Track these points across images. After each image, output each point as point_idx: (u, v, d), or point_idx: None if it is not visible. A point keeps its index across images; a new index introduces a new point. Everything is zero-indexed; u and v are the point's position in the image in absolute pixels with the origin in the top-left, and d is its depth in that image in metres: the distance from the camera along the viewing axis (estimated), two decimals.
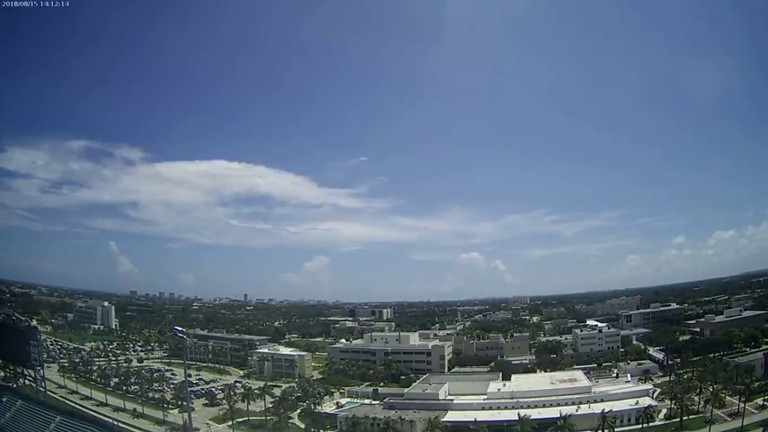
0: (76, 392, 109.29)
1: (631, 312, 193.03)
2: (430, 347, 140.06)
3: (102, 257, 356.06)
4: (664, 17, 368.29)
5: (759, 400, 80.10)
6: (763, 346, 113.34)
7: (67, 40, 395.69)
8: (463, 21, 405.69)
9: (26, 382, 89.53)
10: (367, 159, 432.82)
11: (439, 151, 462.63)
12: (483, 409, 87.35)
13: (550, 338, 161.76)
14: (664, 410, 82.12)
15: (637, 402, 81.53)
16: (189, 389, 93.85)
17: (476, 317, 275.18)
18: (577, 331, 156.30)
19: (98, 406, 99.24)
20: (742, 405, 74.88)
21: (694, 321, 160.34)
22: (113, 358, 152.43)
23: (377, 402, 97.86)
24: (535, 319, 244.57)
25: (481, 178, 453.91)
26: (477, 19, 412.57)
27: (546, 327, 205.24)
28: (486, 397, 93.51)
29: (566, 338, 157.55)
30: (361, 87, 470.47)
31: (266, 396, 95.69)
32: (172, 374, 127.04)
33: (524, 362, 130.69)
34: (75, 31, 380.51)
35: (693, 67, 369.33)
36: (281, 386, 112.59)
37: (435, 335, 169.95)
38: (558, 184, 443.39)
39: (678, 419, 76.57)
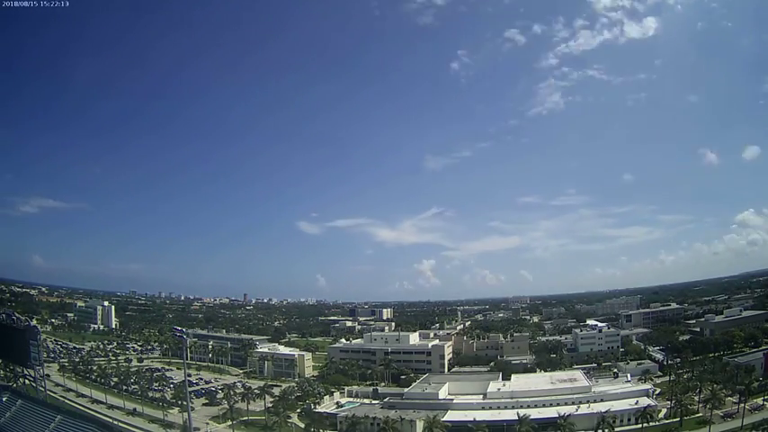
0: (73, 391, 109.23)
1: (631, 312, 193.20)
2: (430, 347, 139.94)
3: None
4: None
5: (759, 400, 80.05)
6: (763, 346, 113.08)
7: (67, 41, 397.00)
8: None
9: (26, 381, 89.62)
10: None
11: None
12: (483, 408, 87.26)
13: (550, 338, 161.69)
14: (663, 410, 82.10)
15: (636, 402, 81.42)
16: (189, 388, 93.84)
17: (476, 317, 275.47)
18: (577, 331, 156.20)
19: (92, 403, 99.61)
20: (740, 405, 74.85)
21: (694, 321, 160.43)
22: (113, 358, 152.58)
23: (377, 402, 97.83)
24: (535, 318, 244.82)
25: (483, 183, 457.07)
26: None
27: (546, 327, 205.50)
28: (485, 397, 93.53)
29: (566, 338, 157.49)
30: None
31: (266, 396, 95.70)
32: (171, 374, 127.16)
33: (524, 362, 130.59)
34: (75, 31, 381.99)
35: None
36: (280, 386, 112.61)
37: (435, 335, 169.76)
38: (560, 186, 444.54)
39: (678, 419, 76.52)
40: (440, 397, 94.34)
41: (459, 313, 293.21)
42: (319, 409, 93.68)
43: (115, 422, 79.27)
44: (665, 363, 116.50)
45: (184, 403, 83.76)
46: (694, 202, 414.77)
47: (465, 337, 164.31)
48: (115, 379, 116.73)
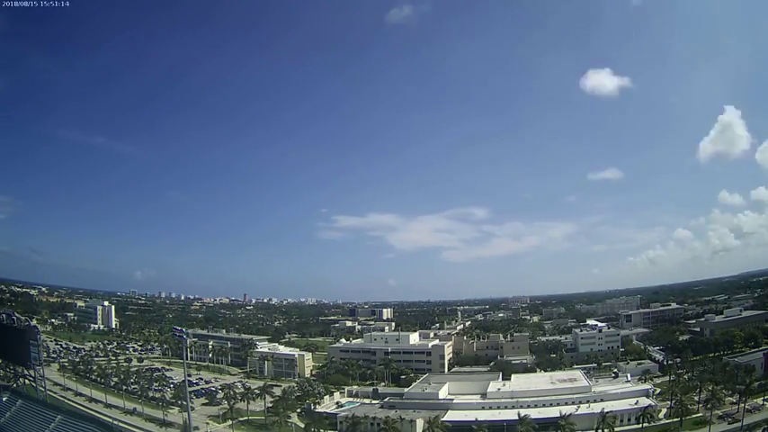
0: (72, 390, 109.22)
1: (631, 312, 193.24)
2: (430, 347, 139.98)
3: None
4: None
5: (759, 400, 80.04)
6: (763, 346, 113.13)
7: (68, 40, 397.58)
8: None
9: (26, 381, 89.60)
10: None
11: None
12: (483, 408, 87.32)
13: (550, 338, 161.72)
14: (663, 410, 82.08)
15: (636, 402, 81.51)
16: (189, 388, 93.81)
17: (476, 317, 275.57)
18: (577, 331, 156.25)
19: (89, 402, 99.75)
20: (738, 406, 74.79)
21: (694, 321, 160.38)
22: (113, 358, 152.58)
23: (377, 402, 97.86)
24: (535, 318, 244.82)
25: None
26: None
27: (546, 326, 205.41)
28: (485, 397, 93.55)
29: (566, 338, 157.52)
30: None
31: (266, 395, 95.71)
32: (171, 374, 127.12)
33: (524, 362, 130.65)
34: (76, 31, 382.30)
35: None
36: (280, 386, 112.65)
37: (435, 335, 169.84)
38: (562, 187, 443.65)
39: (678, 419, 76.52)
40: (440, 397, 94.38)
41: (459, 313, 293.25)
42: (319, 409, 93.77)
43: (115, 422, 79.22)
44: (665, 363, 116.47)
45: (184, 403, 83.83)
46: (696, 203, 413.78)
47: (465, 337, 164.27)
48: (115, 379, 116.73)
